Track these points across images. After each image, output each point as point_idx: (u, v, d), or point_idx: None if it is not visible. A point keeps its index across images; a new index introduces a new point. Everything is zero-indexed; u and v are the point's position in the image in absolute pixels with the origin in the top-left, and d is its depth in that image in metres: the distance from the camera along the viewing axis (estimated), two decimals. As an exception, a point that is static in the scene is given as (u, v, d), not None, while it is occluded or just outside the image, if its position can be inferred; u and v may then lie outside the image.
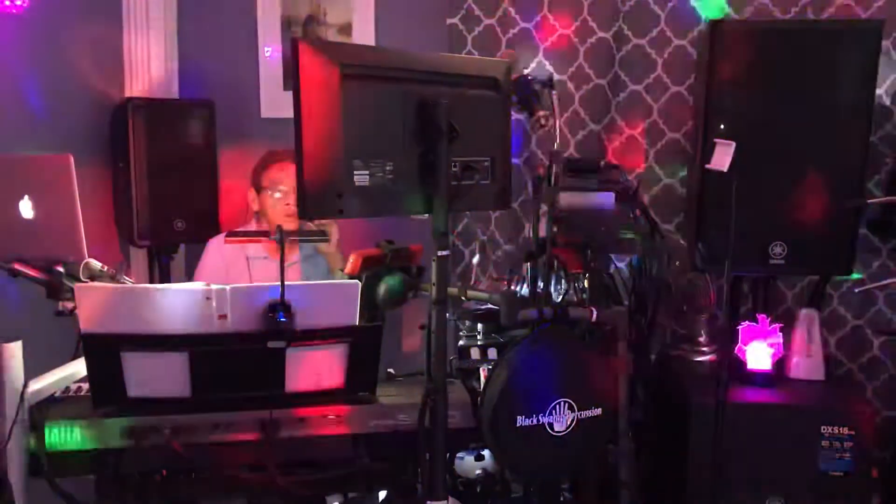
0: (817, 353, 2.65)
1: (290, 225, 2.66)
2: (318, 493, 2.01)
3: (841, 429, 2.41)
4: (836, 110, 2.52)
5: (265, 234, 1.84)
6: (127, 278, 1.97)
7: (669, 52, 3.03)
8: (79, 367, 1.91)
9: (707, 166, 2.29)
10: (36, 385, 1.76)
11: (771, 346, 2.59)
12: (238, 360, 1.75)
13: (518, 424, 1.87)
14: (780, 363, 2.63)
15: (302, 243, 2.80)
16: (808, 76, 2.51)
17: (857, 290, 2.83)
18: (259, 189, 2.85)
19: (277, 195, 2.79)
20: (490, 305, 2.21)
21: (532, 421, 1.89)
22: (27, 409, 1.73)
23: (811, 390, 2.60)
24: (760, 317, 2.62)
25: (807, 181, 2.54)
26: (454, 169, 1.76)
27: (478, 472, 2.37)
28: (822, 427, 2.42)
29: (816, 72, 2.51)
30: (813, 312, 2.67)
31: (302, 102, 1.59)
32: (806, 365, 2.64)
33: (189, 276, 3.00)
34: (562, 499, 2.61)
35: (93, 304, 1.70)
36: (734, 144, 2.20)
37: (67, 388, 1.93)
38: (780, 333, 2.61)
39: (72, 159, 1.80)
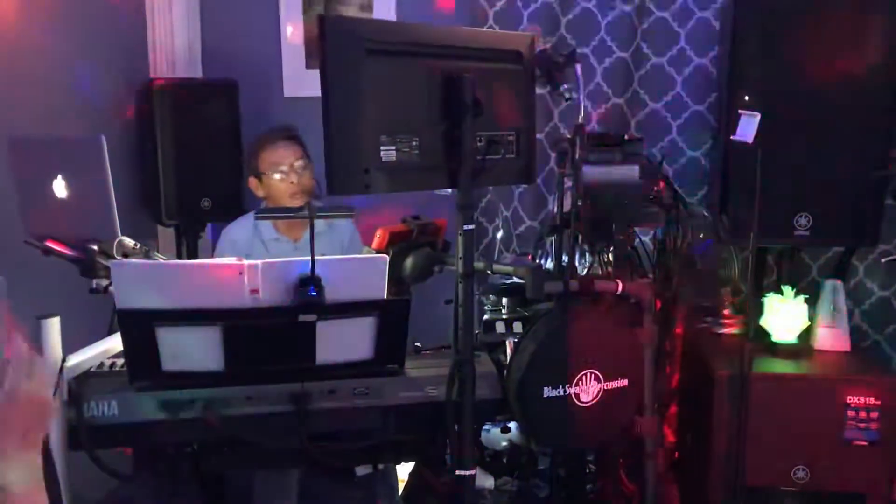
0: (842, 324, 2.64)
1: (298, 203, 2.70)
2: (347, 463, 2.05)
3: (867, 398, 2.41)
4: (863, 80, 2.50)
5: (294, 210, 1.86)
6: (159, 255, 2.01)
7: (692, 24, 3.01)
8: (114, 343, 1.95)
9: (732, 138, 2.28)
10: (74, 360, 1.80)
11: (796, 317, 2.59)
12: (270, 334, 1.78)
13: (545, 395, 1.90)
14: (805, 334, 2.63)
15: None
16: (833, 45, 2.49)
17: (883, 260, 2.81)
18: (259, 175, 2.86)
19: (278, 176, 2.80)
20: (514, 280, 2.23)
21: (558, 392, 1.91)
22: (66, 384, 1.77)
23: (837, 361, 2.60)
24: (784, 288, 2.62)
25: (832, 152, 2.52)
26: (479, 144, 1.78)
27: (504, 443, 2.41)
28: (848, 397, 2.42)
29: (842, 40, 2.49)
30: (838, 283, 2.67)
31: (328, 79, 1.61)
32: (831, 336, 2.64)
33: (217, 255, 3.04)
34: (587, 470, 2.64)
35: (127, 280, 1.74)
36: (759, 115, 2.19)
37: (103, 364, 1.98)
38: (805, 304, 2.61)
39: (104, 140, 1.84)
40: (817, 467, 2.45)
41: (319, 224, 2.82)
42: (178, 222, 3.11)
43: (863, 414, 2.42)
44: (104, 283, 1.95)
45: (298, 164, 2.80)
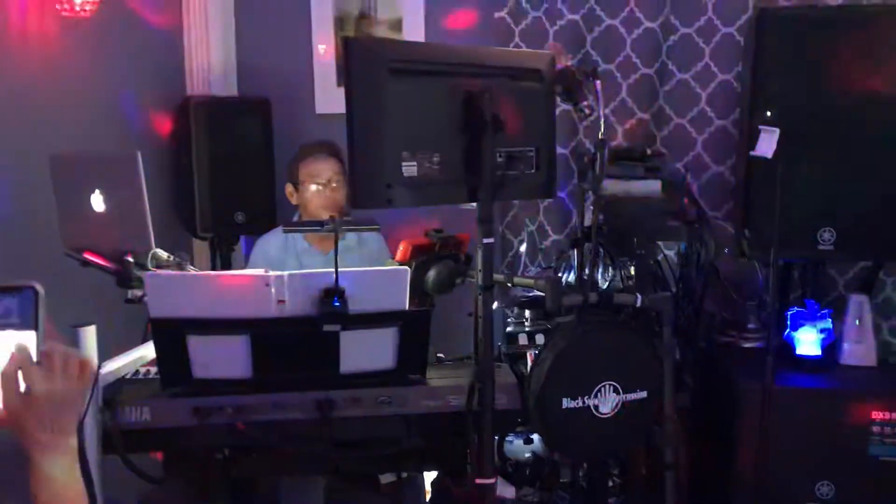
0: (868, 339, 2.64)
1: (333, 213, 2.77)
2: (371, 471, 2.09)
3: (892, 414, 2.41)
4: (885, 94, 2.51)
5: (320, 223, 1.92)
6: (191, 266, 2.09)
7: (717, 40, 3.03)
8: (147, 351, 2.03)
9: (752, 153, 2.31)
10: (109, 367, 1.88)
11: (820, 331, 2.59)
12: (296, 343, 1.84)
13: (563, 406, 1.93)
14: (831, 349, 2.63)
15: (346, 234, 2.90)
16: (855, 61, 2.49)
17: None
18: (296, 184, 2.96)
19: (314, 188, 2.90)
20: (537, 293, 2.27)
21: (577, 403, 1.94)
22: (101, 390, 1.84)
23: (862, 376, 2.59)
24: (809, 302, 2.63)
25: (855, 167, 2.52)
26: (499, 159, 1.83)
27: (527, 455, 2.44)
28: (873, 412, 2.42)
29: (864, 57, 2.49)
30: (863, 297, 2.66)
31: (352, 98, 1.68)
32: (857, 351, 2.63)
33: (249, 267, 3.12)
34: (610, 484, 2.66)
35: (161, 290, 1.81)
36: (778, 131, 2.21)
37: (137, 371, 2.05)
38: (831, 319, 2.61)
39: (139, 156, 1.92)
40: (842, 483, 2.45)
41: (350, 238, 2.93)
42: (212, 235, 3.20)
43: (888, 430, 2.42)
44: (139, 293, 2.02)
45: (335, 179, 2.89)
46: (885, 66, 2.50)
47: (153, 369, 2.02)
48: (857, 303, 2.65)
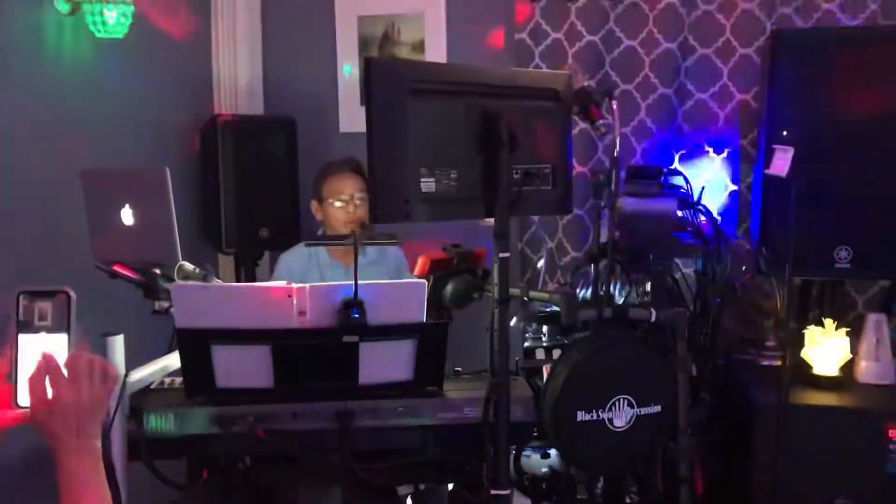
0: (886, 357, 2.64)
1: (351, 230, 2.83)
2: (389, 482, 2.13)
3: (910, 432, 2.41)
4: (902, 115, 2.53)
5: (341, 237, 1.98)
6: (217, 279, 2.14)
7: (735, 60, 3.07)
8: (171, 361, 2.08)
9: (766, 171, 2.34)
10: (135, 375, 1.94)
11: (837, 350, 2.60)
12: (316, 354, 1.89)
13: (578, 419, 1.96)
14: (848, 367, 2.64)
15: (368, 249, 2.97)
16: (870, 80, 2.52)
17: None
18: (321, 199, 3.02)
19: (338, 204, 2.96)
20: (555, 308, 2.30)
21: (592, 416, 1.97)
22: (127, 398, 1.90)
23: (879, 394, 2.58)
24: (827, 321, 2.64)
25: (872, 185, 2.54)
26: (516, 176, 1.87)
27: (544, 469, 2.46)
28: (891, 430, 2.42)
29: (880, 75, 2.52)
30: (881, 316, 2.66)
31: (373, 116, 1.73)
32: (874, 369, 2.63)
33: (273, 282, 3.19)
34: (628, 501, 2.66)
35: (187, 301, 1.87)
36: (792, 150, 2.24)
37: (162, 381, 2.11)
38: (847, 337, 2.61)
39: (168, 171, 1.98)
40: (860, 500, 2.44)
41: (371, 253, 2.99)
42: (237, 251, 3.27)
43: (906, 448, 2.42)
44: (165, 304, 2.08)
45: (358, 196, 2.95)
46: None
47: (178, 379, 2.07)
48: (876, 321, 2.66)
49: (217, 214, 3.18)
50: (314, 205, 3.07)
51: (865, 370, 2.64)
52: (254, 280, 3.30)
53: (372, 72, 1.73)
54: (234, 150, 3.17)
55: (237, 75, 3.46)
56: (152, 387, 2.04)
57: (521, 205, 1.89)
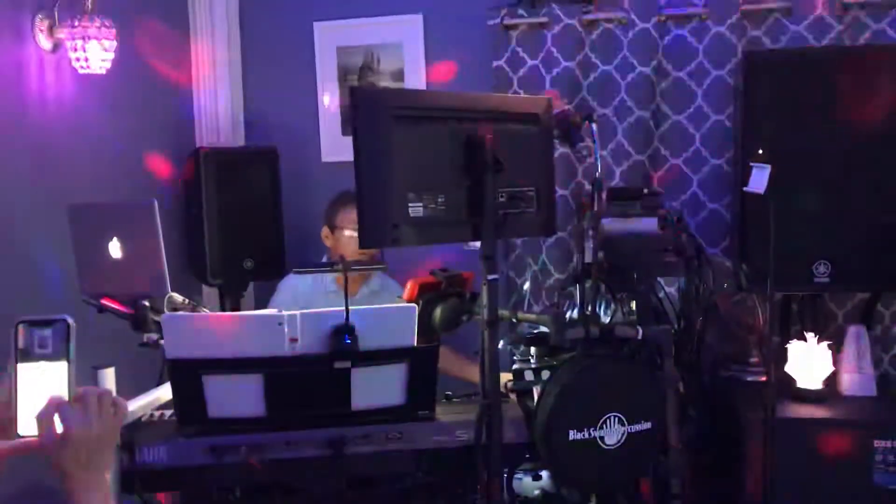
0: (867, 369, 2.68)
1: (363, 257, 2.86)
2: (384, 507, 2.13)
3: (894, 443, 2.44)
4: (873, 131, 2.59)
5: (331, 265, 2.00)
6: (205, 310, 2.15)
7: (708, 82, 3.14)
8: (162, 394, 2.08)
9: (744, 189, 2.38)
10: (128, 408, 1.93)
11: (820, 363, 2.64)
12: (308, 381, 1.90)
13: (570, 438, 1.98)
14: (832, 380, 2.67)
15: (372, 279, 3.00)
16: (842, 100, 2.59)
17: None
18: (332, 227, 3.06)
19: (348, 233, 2.99)
20: (542, 330, 2.32)
21: (584, 435, 1.98)
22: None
23: (863, 406, 2.63)
24: (808, 335, 2.68)
25: (847, 200, 2.60)
26: (501, 199, 1.90)
27: (536, 492, 2.47)
28: (875, 441, 2.45)
29: (850, 95, 2.59)
30: (861, 328, 2.71)
31: (359, 144, 1.76)
32: (856, 381, 2.68)
33: (258, 312, 3.19)
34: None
35: (177, 331, 1.87)
36: (769, 167, 2.29)
37: (152, 414, 2.11)
38: (829, 350, 2.65)
39: (156, 205, 2.00)
40: (848, 512, 2.47)
41: (375, 284, 3.03)
42: (221, 282, 3.27)
43: (891, 458, 2.45)
44: (154, 337, 2.09)
45: None
46: (870, 102, 2.59)
47: (168, 412, 2.07)
48: (856, 334, 2.70)
49: (201, 246, 3.18)
50: (325, 231, 3.11)
51: (848, 383, 2.69)
52: (238, 311, 3.30)
53: (357, 100, 1.76)
54: (216, 182, 3.19)
55: (218, 108, 3.48)
56: (143, 419, 2.03)
57: (507, 227, 1.92)
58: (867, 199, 2.62)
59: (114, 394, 1.30)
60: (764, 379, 2.83)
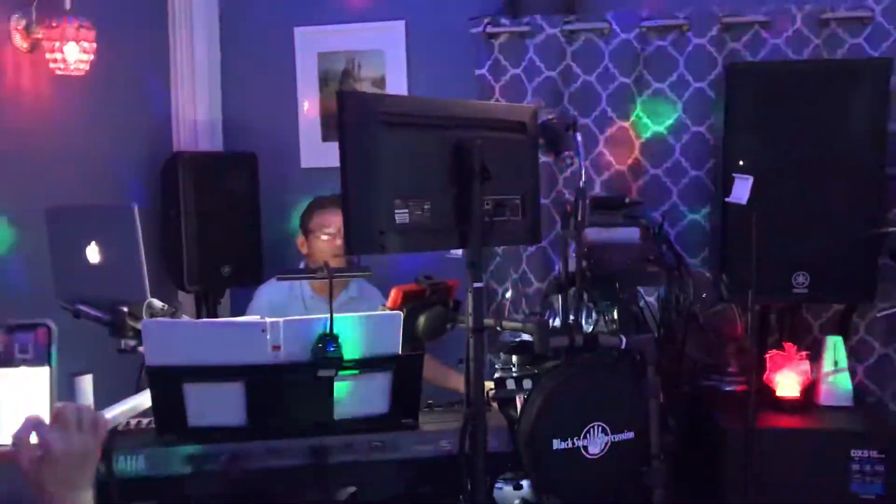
0: (844, 380, 2.71)
1: (337, 264, 2.83)
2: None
3: (871, 452, 2.46)
4: (851, 144, 2.63)
5: (313, 271, 1.97)
6: (185, 316, 2.12)
7: (689, 94, 3.16)
8: (140, 401, 2.04)
9: (727, 200, 2.40)
10: (105, 416, 1.89)
11: (799, 373, 2.66)
12: (290, 390, 1.87)
13: (554, 448, 1.97)
14: (809, 390, 2.70)
15: (350, 285, 2.98)
16: (821, 112, 2.63)
17: (878, 315, 2.90)
18: (307, 232, 3.04)
19: (324, 237, 2.99)
20: (524, 338, 2.32)
21: (568, 444, 1.97)
22: (96, 439, 1.85)
23: (840, 415, 2.65)
24: (787, 345, 2.70)
25: (825, 212, 2.64)
26: (487, 206, 1.89)
27: (516, 501, 2.45)
28: (853, 450, 2.47)
29: (829, 108, 2.63)
30: (837, 339, 2.74)
31: (346, 149, 1.74)
32: (833, 391, 2.70)
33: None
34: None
35: (157, 338, 1.84)
36: (752, 178, 2.31)
37: (128, 423, 2.06)
38: (808, 361, 2.68)
39: (136, 208, 1.96)
40: (826, 521, 2.49)
41: (353, 289, 3.01)
42: (199, 288, 3.23)
43: (868, 468, 2.47)
44: (132, 343, 2.04)
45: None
46: (848, 115, 2.63)
47: (146, 420, 2.03)
48: (833, 344, 2.73)
49: (178, 252, 3.14)
50: (300, 238, 3.10)
51: (825, 393, 2.71)
52: (216, 318, 3.26)
53: (345, 104, 1.74)
54: (195, 187, 3.15)
55: (197, 112, 3.45)
56: (120, 428, 1.99)
57: (494, 235, 1.91)
58: (845, 211, 2.65)
59: (92, 408, 1.27)
60: (742, 388, 2.86)
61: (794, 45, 3.04)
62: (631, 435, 2.05)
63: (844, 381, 2.71)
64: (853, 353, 2.97)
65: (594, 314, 2.44)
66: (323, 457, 1.90)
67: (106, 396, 2.01)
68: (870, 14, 2.99)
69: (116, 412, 1.98)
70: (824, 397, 2.71)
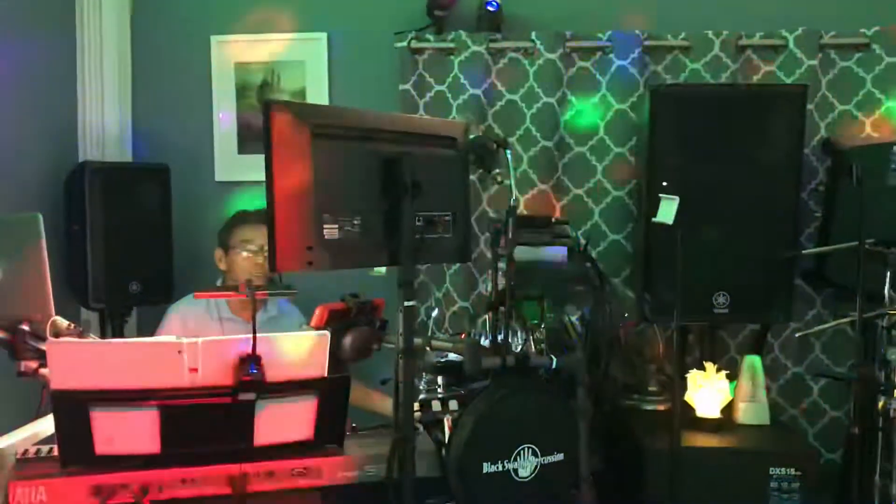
0: (761, 398, 2.76)
1: (259, 281, 2.73)
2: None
3: (789, 470, 2.51)
4: (768, 168, 2.70)
5: (235, 288, 1.88)
6: (92, 335, 1.98)
7: (611, 115, 3.19)
8: (42, 427, 1.90)
9: (653, 220, 2.41)
10: (0, 444, 1.75)
11: (718, 392, 2.69)
12: (208, 414, 1.77)
13: (484, 472, 1.92)
14: (728, 409, 2.73)
15: (269, 305, 2.86)
16: (740, 136, 2.70)
17: (796, 335, 2.98)
18: (227, 248, 2.91)
19: (245, 254, 2.88)
20: (450, 358, 2.27)
21: (498, 467, 1.93)
22: (-9, 470, 1.71)
23: (758, 434, 2.69)
24: (708, 365, 2.73)
25: (745, 234, 2.69)
26: (418, 223, 1.84)
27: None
28: (771, 469, 2.51)
29: (748, 132, 2.70)
30: (755, 358, 2.79)
31: (273, 161, 1.66)
32: (751, 410, 2.75)
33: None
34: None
35: (63, 360, 1.70)
36: (678, 199, 2.33)
37: (26, 451, 1.91)
38: (727, 380, 2.71)
39: (41, 218, 1.83)
40: (748, 538, 2.52)
41: (272, 309, 2.88)
42: (104, 306, 3.05)
43: (785, 485, 2.51)
44: (33, 365, 1.90)
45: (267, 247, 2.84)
46: (766, 139, 2.69)
47: (44, 448, 1.88)
48: (751, 364, 2.78)
49: (83, 267, 2.95)
50: (219, 253, 2.97)
51: (744, 412, 2.75)
52: (123, 337, 3.08)
53: (272, 114, 1.66)
54: (102, 199, 2.97)
55: (105, 121, 3.27)
56: (19, 456, 1.84)
57: (424, 252, 1.86)
58: (763, 233, 2.71)
59: None
60: (663, 408, 2.88)
61: (712, 69, 3.12)
62: (561, 457, 2.03)
63: (762, 401, 2.76)
64: (767, 372, 3.03)
65: (521, 334, 2.41)
66: (242, 485, 1.80)
67: (4, 422, 1.87)
68: (783, 42, 3.09)
69: (16, 440, 1.84)
70: (742, 416, 2.75)
